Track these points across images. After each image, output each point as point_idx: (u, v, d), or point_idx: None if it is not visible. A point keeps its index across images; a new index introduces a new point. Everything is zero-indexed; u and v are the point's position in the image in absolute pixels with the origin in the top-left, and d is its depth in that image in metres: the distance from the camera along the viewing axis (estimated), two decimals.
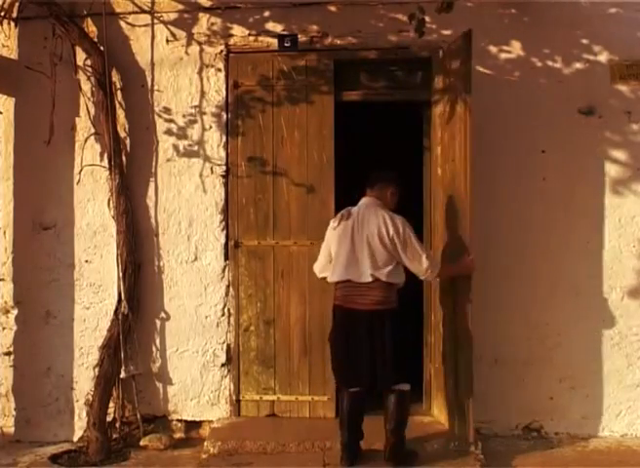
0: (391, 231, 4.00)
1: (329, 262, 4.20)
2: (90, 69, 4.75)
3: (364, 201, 4.18)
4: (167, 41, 4.87)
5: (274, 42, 4.79)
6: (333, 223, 4.20)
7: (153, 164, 4.87)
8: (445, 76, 4.64)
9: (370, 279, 4.00)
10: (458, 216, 4.36)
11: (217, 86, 4.85)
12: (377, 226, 4.02)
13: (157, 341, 4.87)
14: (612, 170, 4.74)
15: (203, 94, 4.85)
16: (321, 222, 4.78)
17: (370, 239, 4.02)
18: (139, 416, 4.77)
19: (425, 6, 4.18)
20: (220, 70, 4.85)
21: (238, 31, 4.84)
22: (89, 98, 4.83)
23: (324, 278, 4.28)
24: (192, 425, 4.87)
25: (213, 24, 4.84)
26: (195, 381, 4.85)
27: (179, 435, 4.85)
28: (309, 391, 4.81)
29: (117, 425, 4.78)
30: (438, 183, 4.72)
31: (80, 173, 4.84)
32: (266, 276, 4.82)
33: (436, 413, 4.74)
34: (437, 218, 4.71)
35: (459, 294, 4.35)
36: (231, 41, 4.84)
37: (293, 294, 4.81)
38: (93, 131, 4.82)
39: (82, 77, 4.82)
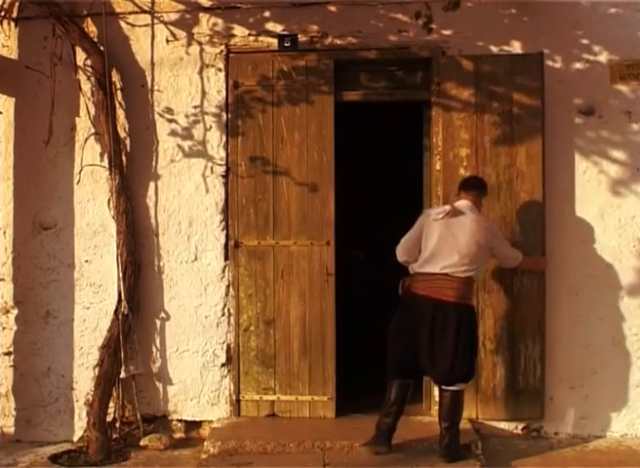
0: (488, 233, 4.30)
1: (414, 248, 4.30)
2: (90, 69, 4.75)
3: (463, 203, 4.34)
4: (167, 41, 4.86)
5: (274, 42, 4.79)
6: (436, 215, 4.28)
7: (153, 164, 4.87)
8: (475, 82, 4.69)
9: (465, 275, 4.22)
10: (520, 216, 4.69)
11: (217, 86, 4.85)
12: (476, 228, 4.25)
13: (157, 341, 4.87)
14: (612, 170, 4.75)
15: (203, 94, 4.85)
16: (321, 222, 4.80)
17: (470, 239, 4.22)
18: (139, 416, 4.77)
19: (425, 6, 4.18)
20: (220, 70, 4.85)
21: (238, 31, 4.84)
22: (89, 98, 4.82)
23: (405, 262, 4.38)
24: (192, 425, 4.87)
25: (213, 24, 4.84)
26: (195, 381, 4.85)
27: (179, 435, 4.85)
28: (309, 391, 4.80)
29: (117, 425, 4.78)
30: None
31: (80, 173, 4.84)
32: (266, 276, 4.82)
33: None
34: None
35: (522, 288, 4.67)
36: (231, 41, 4.84)
37: (293, 294, 4.81)
38: (93, 131, 4.81)
39: (82, 77, 4.82)
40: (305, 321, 4.80)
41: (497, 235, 4.39)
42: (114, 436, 4.73)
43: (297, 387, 4.81)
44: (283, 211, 4.82)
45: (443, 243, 4.23)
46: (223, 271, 4.84)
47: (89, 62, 4.75)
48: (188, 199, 4.86)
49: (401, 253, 4.36)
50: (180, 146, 4.86)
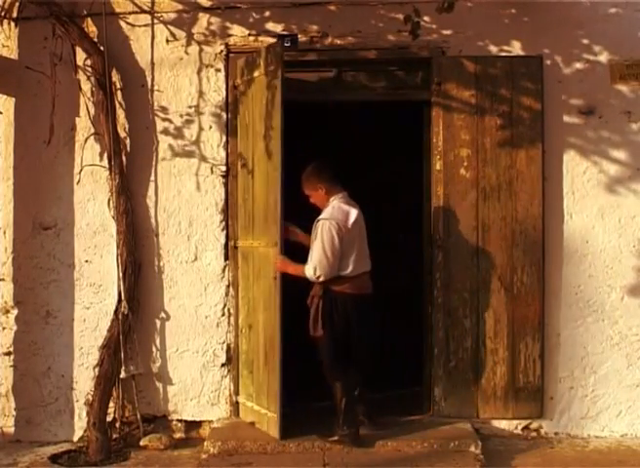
0: None
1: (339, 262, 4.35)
2: (90, 69, 4.75)
3: (347, 198, 4.47)
4: (167, 41, 4.86)
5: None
6: (351, 222, 4.35)
7: (153, 164, 4.87)
8: (476, 83, 4.71)
9: (370, 266, 4.52)
10: (520, 216, 4.72)
11: (216, 86, 4.85)
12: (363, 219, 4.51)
13: (157, 341, 4.87)
14: (612, 170, 4.75)
15: (203, 94, 4.85)
16: None
17: (365, 232, 4.50)
18: (139, 416, 4.77)
19: (425, 6, 4.18)
20: (219, 70, 4.84)
21: (238, 31, 4.84)
22: (89, 98, 4.82)
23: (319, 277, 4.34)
24: (192, 425, 4.87)
25: (213, 24, 4.84)
26: (195, 381, 4.85)
27: (179, 435, 4.85)
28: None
29: (117, 425, 4.78)
30: (465, 184, 4.71)
31: (80, 173, 4.84)
32: None
33: (453, 411, 4.72)
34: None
35: (522, 287, 4.69)
36: (231, 41, 4.84)
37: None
38: (93, 131, 4.81)
39: (82, 77, 4.82)
40: None
41: None
42: (114, 436, 4.73)
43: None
44: None
45: (360, 244, 4.42)
46: (223, 271, 4.84)
47: (89, 62, 4.75)
48: (188, 199, 4.86)
49: (329, 272, 4.27)
50: (179, 146, 4.86)
